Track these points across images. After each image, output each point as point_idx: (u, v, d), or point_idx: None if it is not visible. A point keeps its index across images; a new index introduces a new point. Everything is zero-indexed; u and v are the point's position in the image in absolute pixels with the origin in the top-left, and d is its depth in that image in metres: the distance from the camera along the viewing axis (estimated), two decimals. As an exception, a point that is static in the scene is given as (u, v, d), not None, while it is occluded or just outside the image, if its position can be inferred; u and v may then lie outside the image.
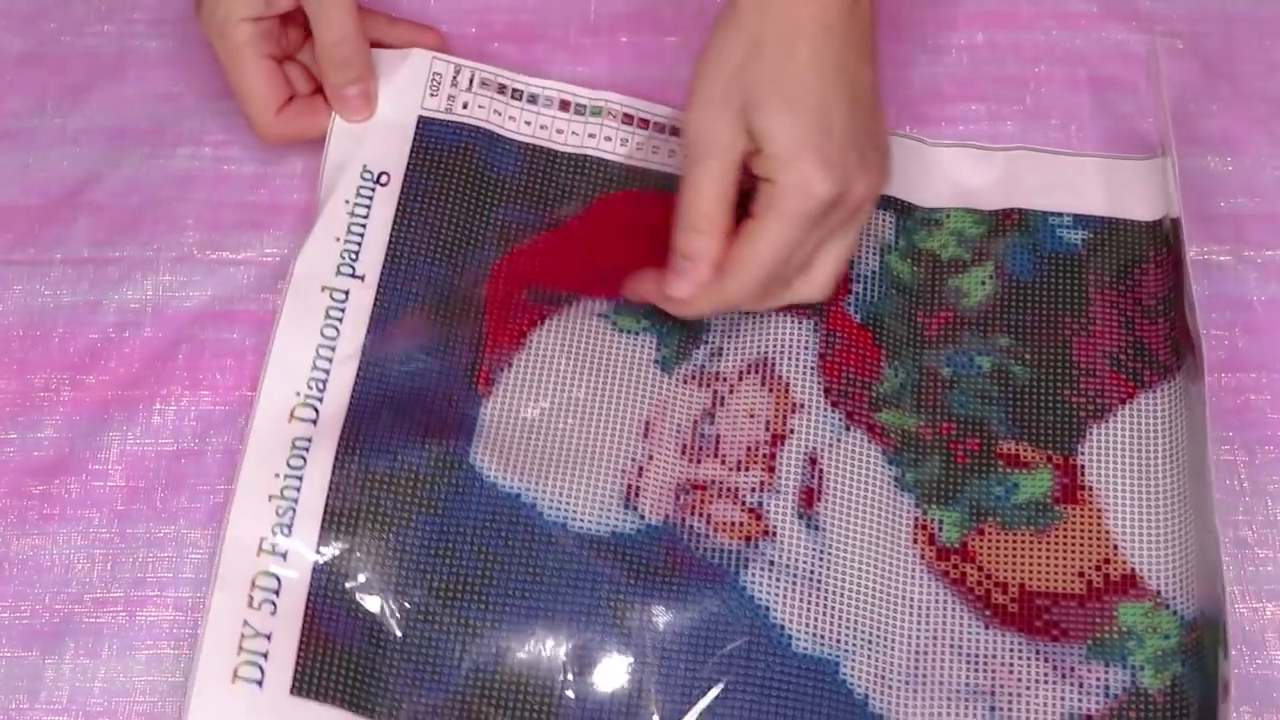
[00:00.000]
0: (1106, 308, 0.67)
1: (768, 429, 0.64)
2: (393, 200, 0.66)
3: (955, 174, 0.70)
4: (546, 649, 0.59)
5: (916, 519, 0.63)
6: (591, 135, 0.70)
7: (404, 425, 0.62)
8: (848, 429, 0.64)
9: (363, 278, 0.65)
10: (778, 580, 0.61)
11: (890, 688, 0.59)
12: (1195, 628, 0.60)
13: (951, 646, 0.60)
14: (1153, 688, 0.59)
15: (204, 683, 0.57)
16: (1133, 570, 0.61)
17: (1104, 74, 0.73)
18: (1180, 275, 0.65)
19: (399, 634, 0.59)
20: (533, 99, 0.70)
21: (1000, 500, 0.63)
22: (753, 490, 0.62)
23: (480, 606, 0.59)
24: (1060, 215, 0.69)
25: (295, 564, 0.59)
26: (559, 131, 0.70)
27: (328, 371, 0.63)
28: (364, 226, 0.65)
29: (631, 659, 0.59)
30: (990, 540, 0.62)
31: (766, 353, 0.65)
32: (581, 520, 0.61)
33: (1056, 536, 0.62)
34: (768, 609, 0.60)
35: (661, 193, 0.69)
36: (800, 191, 0.58)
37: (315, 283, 0.64)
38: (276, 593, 0.59)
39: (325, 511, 0.60)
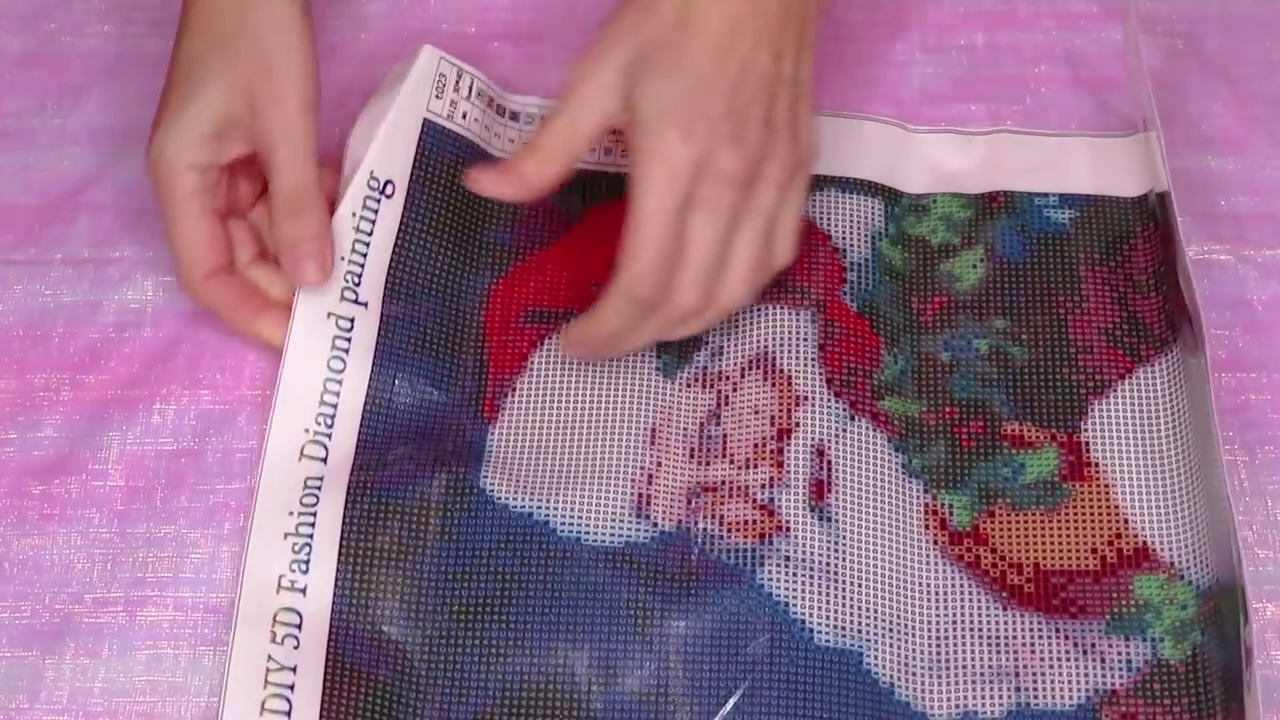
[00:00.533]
0: (1098, 284, 0.67)
1: (773, 424, 0.64)
2: (396, 215, 0.65)
3: (938, 159, 0.71)
4: (570, 663, 0.59)
5: (927, 504, 0.63)
6: None
7: (414, 458, 0.62)
8: (852, 418, 0.64)
9: (366, 304, 0.64)
10: (795, 575, 0.61)
11: (915, 675, 0.60)
12: (1212, 596, 0.60)
13: (972, 630, 0.61)
14: (1174, 658, 0.59)
15: (232, 717, 0.57)
16: (1145, 543, 0.62)
17: (1104, 74, 0.73)
18: (1171, 249, 0.66)
19: (422, 660, 0.59)
20: (514, 116, 0.70)
21: (1008, 481, 0.63)
22: (763, 487, 0.62)
23: (501, 626, 0.59)
24: (1046, 195, 0.69)
25: (315, 598, 0.59)
26: None
27: (335, 407, 0.63)
28: (368, 245, 0.64)
29: (656, 667, 0.59)
30: (1001, 522, 0.63)
31: (767, 347, 0.65)
32: (595, 534, 0.61)
33: (1067, 514, 0.63)
34: (787, 605, 0.60)
35: None
36: (657, 156, 0.58)
37: (321, 309, 0.63)
38: (299, 627, 0.59)
39: (341, 546, 0.60)
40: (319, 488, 0.61)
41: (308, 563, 0.60)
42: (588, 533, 0.61)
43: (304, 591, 0.59)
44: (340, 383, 0.63)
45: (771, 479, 0.63)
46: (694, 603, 0.60)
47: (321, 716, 0.58)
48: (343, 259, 0.64)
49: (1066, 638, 0.60)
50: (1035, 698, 0.59)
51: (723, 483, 0.63)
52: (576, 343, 0.64)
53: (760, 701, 0.58)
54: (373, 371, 0.63)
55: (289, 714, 0.57)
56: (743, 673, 0.59)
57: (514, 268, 0.67)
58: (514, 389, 0.65)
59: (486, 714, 0.58)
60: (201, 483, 0.63)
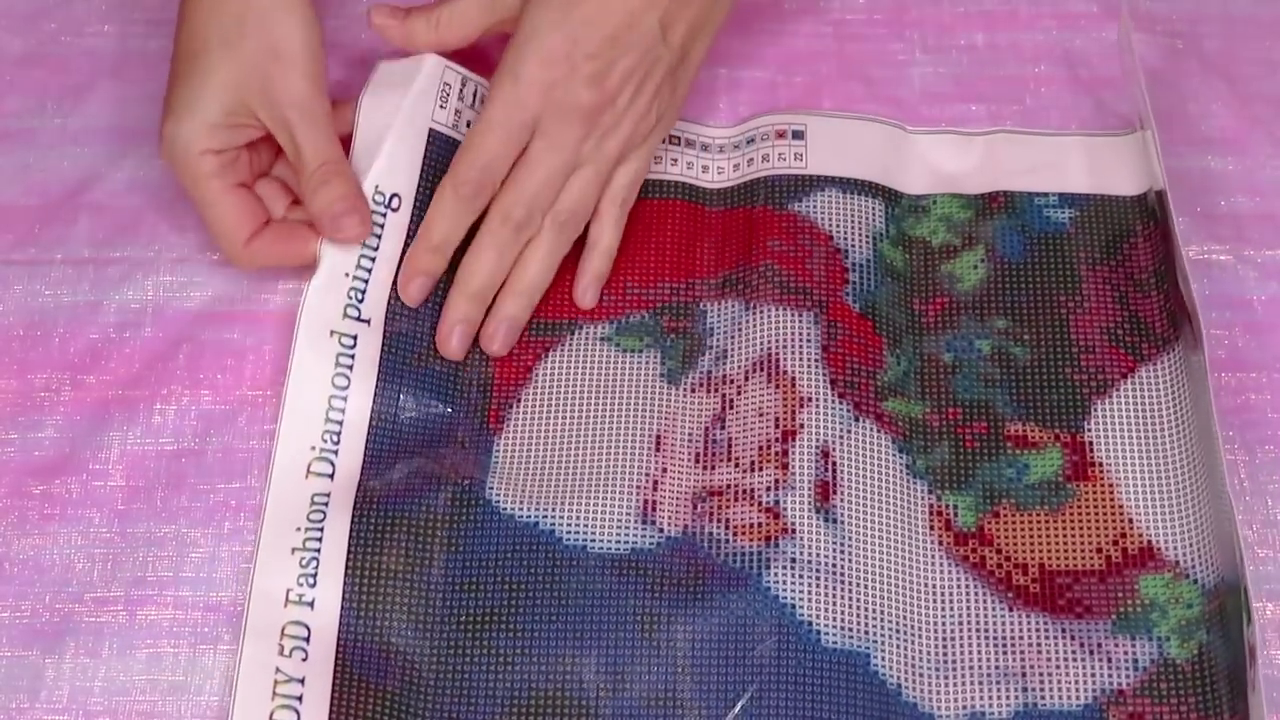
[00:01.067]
0: (1099, 284, 0.67)
1: (778, 426, 0.64)
2: (402, 231, 0.65)
3: (936, 160, 0.71)
4: (578, 671, 0.59)
5: (931, 505, 0.63)
6: None
7: (420, 472, 0.62)
8: (857, 419, 0.64)
9: (368, 321, 0.64)
10: (801, 577, 0.60)
11: (922, 676, 0.60)
12: (1217, 595, 0.60)
13: (978, 631, 0.60)
14: (1180, 658, 0.59)
15: None
16: (1150, 542, 0.62)
17: (1104, 74, 0.73)
18: (1170, 246, 0.66)
19: (430, 670, 0.59)
20: None
21: (1012, 482, 0.63)
22: (768, 489, 0.62)
23: (509, 636, 0.59)
24: (1045, 195, 0.69)
25: (323, 612, 0.59)
26: None
27: (340, 424, 0.62)
28: (373, 260, 0.64)
29: (664, 672, 0.59)
30: (1006, 522, 0.63)
31: (771, 348, 0.65)
32: (601, 541, 0.61)
33: (1071, 514, 0.63)
34: (794, 607, 0.60)
35: (651, 201, 0.69)
36: (513, 73, 0.62)
37: (324, 326, 0.63)
38: (307, 640, 0.58)
39: (348, 561, 0.60)
40: (326, 504, 0.61)
41: (315, 576, 0.59)
42: (594, 541, 0.61)
43: (311, 605, 0.59)
44: (345, 399, 0.62)
45: (777, 481, 0.62)
46: (701, 607, 0.60)
47: None
48: (347, 275, 0.64)
49: (1072, 638, 0.60)
50: (1042, 698, 0.59)
51: (728, 486, 0.63)
52: (411, 273, 0.64)
53: (768, 704, 0.58)
54: (377, 388, 0.63)
55: None
56: (750, 676, 0.59)
57: None
58: (519, 400, 0.65)
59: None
60: (202, 482, 0.63)
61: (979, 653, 0.60)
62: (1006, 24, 0.75)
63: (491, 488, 0.62)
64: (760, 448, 0.63)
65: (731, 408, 0.64)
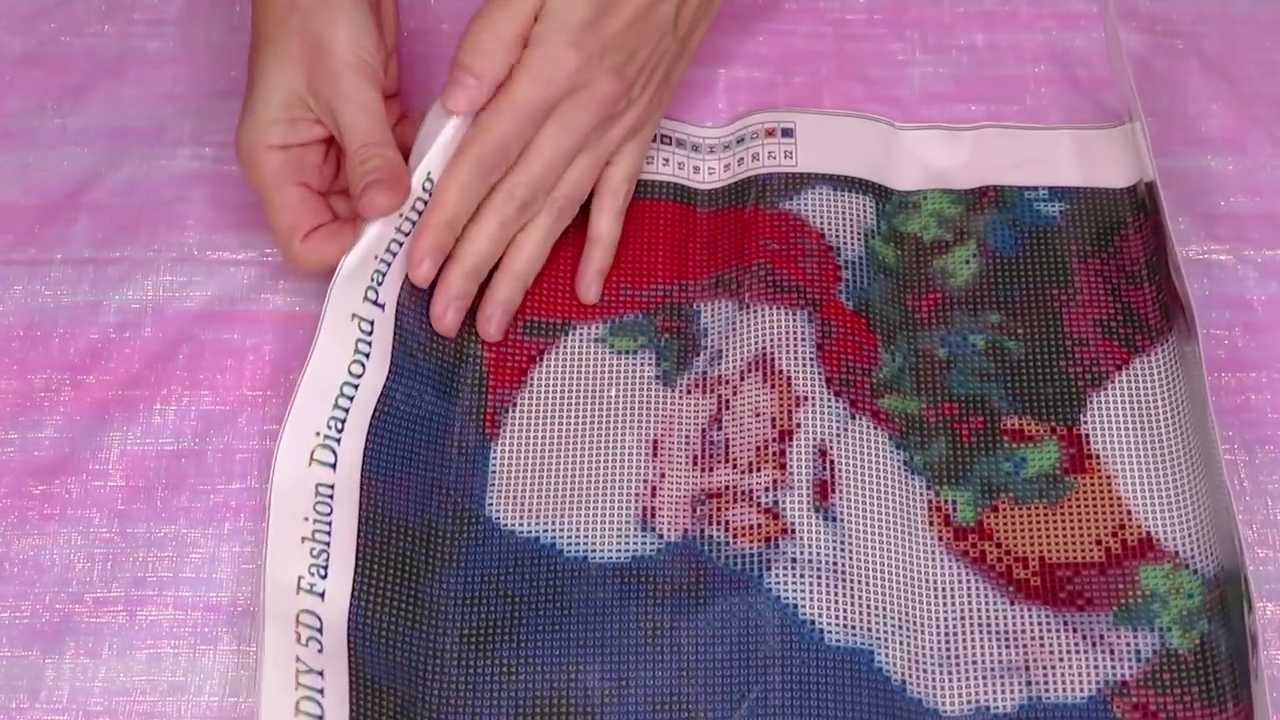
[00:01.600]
0: (1091, 276, 0.67)
1: (774, 426, 0.64)
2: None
3: (926, 156, 0.71)
4: (583, 680, 0.59)
5: (930, 501, 0.63)
6: None
7: (420, 476, 0.62)
8: (853, 417, 0.64)
9: (383, 306, 0.63)
10: (802, 577, 0.61)
11: (926, 671, 0.60)
12: (1217, 584, 0.60)
13: (980, 625, 0.61)
14: (1182, 648, 0.59)
15: (269, 718, 0.56)
16: (1149, 534, 0.62)
17: (1105, 74, 0.73)
18: (1161, 238, 0.66)
19: (435, 680, 0.59)
20: None
21: (1010, 476, 0.63)
22: (767, 490, 0.62)
23: (513, 647, 0.59)
24: (1035, 189, 0.69)
25: (332, 605, 0.59)
26: None
27: (346, 411, 0.62)
28: (401, 244, 0.64)
29: (668, 677, 0.59)
30: (1005, 516, 0.63)
31: (765, 348, 0.65)
32: (601, 551, 0.61)
33: (1070, 507, 0.63)
34: (796, 607, 0.60)
35: (644, 201, 0.69)
36: (545, 53, 0.62)
37: (348, 309, 0.62)
38: (320, 630, 0.58)
39: (357, 558, 0.60)
40: (331, 496, 0.60)
41: (325, 569, 0.59)
42: (594, 551, 0.61)
43: (322, 596, 0.59)
44: (356, 386, 0.62)
45: (775, 481, 0.62)
46: (703, 611, 0.60)
47: None
48: (376, 257, 0.63)
49: (1075, 630, 0.60)
50: (1046, 691, 0.59)
51: (726, 488, 0.63)
52: (420, 239, 0.64)
53: (773, 704, 0.58)
54: (388, 378, 0.63)
55: (321, 718, 0.56)
56: (755, 677, 0.59)
57: None
58: (514, 404, 0.65)
59: None
60: (202, 483, 0.63)
61: (982, 647, 0.60)
62: (1006, 24, 0.75)
63: (491, 503, 0.62)
64: (757, 448, 0.63)
65: (728, 408, 0.64)
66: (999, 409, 0.65)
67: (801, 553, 0.61)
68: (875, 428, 0.64)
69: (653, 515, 0.62)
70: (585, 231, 0.68)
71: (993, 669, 0.60)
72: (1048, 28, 0.75)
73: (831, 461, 0.63)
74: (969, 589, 0.61)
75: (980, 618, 0.61)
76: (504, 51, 0.62)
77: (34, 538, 0.62)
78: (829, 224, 0.68)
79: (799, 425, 0.63)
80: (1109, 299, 0.67)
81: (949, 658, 0.60)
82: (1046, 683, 0.59)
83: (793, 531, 0.61)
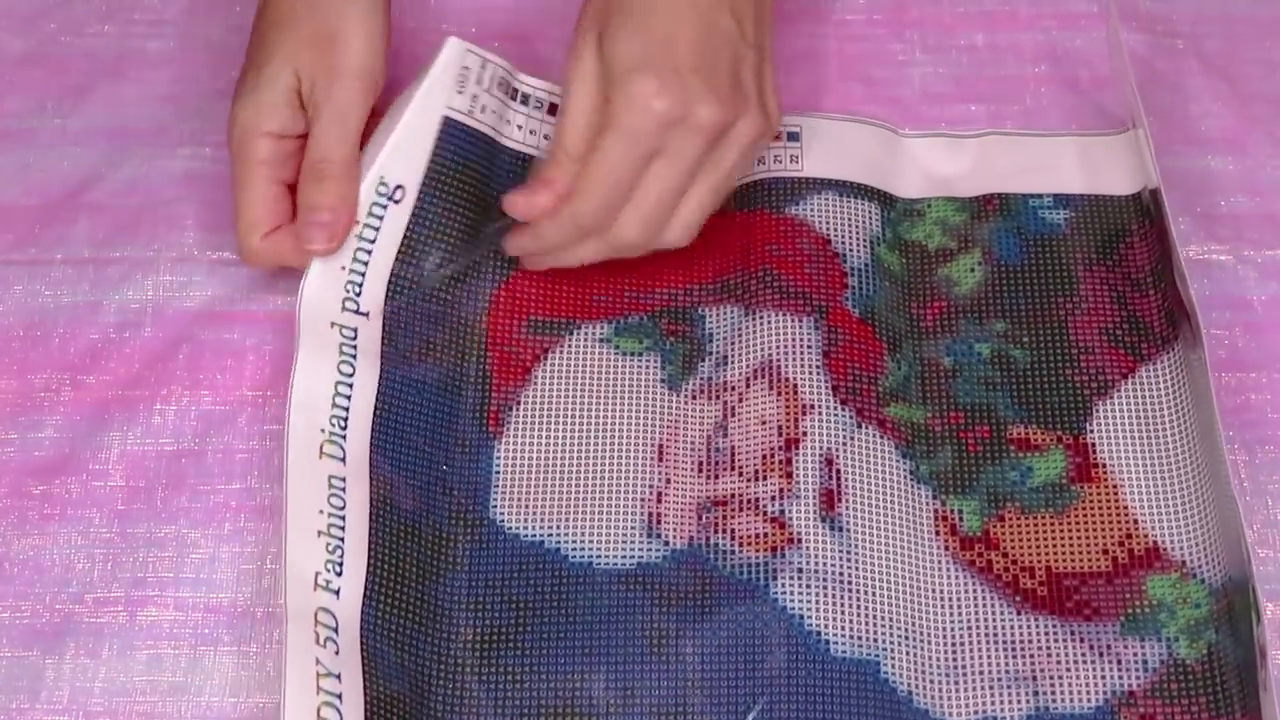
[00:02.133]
0: (1096, 284, 0.67)
1: (780, 434, 0.63)
2: (402, 222, 0.64)
3: (929, 164, 0.71)
4: (588, 687, 0.59)
5: (936, 510, 0.63)
6: None
7: (425, 472, 0.62)
8: (859, 426, 0.64)
9: (367, 314, 0.63)
10: (808, 587, 0.60)
11: (932, 682, 0.60)
12: (1225, 594, 0.60)
13: (987, 636, 0.60)
14: (1190, 658, 0.59)
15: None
16: (1155, 543, 0.62)
17: (1105, 75, 0.73)
18: (1166, 245, 0.66)
19: (441, 685, 0.59)
20: (525, 99, 0.69)
21: (1016, 485, 0.63)
22: (773, 499, 0.62)
23: (517, 654, 0.59)
24: (1040, 196, 0.69)
25: (347, 603, 0.59)
26: (546, 138, 0.68)
27: (347, 410, 0.62)
28: (369, 253, 0.64)
29: (673, 686, 0.59)
30: (1011, 526, 0.63)
31: (772, 355, 0.65)
32: (607, 557, 0.61)
33: (1076, 516, 0.63)
34: (802, 617, 0.60)
35: None
36: (633, 105, 0.59)
37: (324, 318, 0.63)
38: (336, 630, 0.58)
39: (369, 555, 0.59)
40: (343, 489, 0.60)
41: (340, 565, 0.59)
42: (599, 557, 0.61)
43: (337, 594, 0.59)
44: (351, 385, 0.62)
45: (781, 490, 0.62)
46: (709, 620, 0.60)
47: None
48: (343, 268, 0.63)
49: (1082, 640, 0.60)
50: (1054, 701, 0.59)
51: (732, 496, 0.63)
52: (516, 248, 0.65)
53: (779, 716, 0.58)
54: (381, 377, 0.63)
55: None
56: (761, 688, 0.59)
57: (516, 273, 0.67)
58: (518, 403, 0.64)
59: None
60: (202, 483, 0.63)
61: (989, 657, 0.60)
62: (1007, 24, 0.75)
63: (495, 505, 0.62)
64: (764, 456, 0.63)
65: (733, 415, 0.64)
66: (1005, 418, 0.65)
67: (808, 562, 0.61)
68: (881, 436, 0.64)
69: (658, 522, 0.62)
70: None
71: (999, 679, 0.60)
72: (1048, 28, 0.75)
73: (838, 470, 0.63)
74: (976, 599, 0.61)
75: (987, 628, 0.61)
76: (570, 152, 0.61)
77: (34, 538, 0.62)
78: (835, 230, 0.68)
79: (805, 434, 0.63)
80: (1114, 307, 0.66)
81: (956, 668, 0.60)
82: (1053, 693, 0.59)
83: (799, 541, 0.61)
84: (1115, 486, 0.63)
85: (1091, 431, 0.64)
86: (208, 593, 0.61)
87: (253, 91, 0.62)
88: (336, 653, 0.57)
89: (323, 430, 0.61)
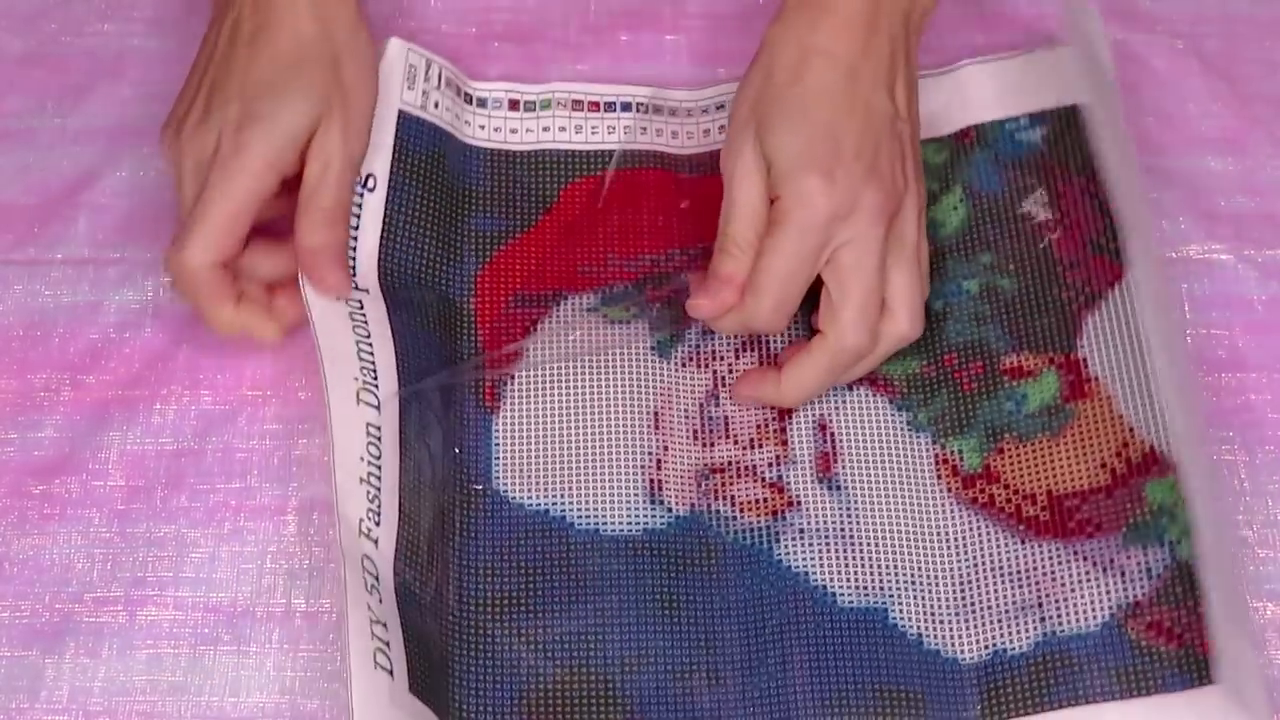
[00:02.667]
0: (1077, 196, 0.67)
1: (772, 405, 0.64)
2: (379, 211, 0.65)
3: None
4: (603, 650, 0.59)
5: (937, 455, 0.64)
6: (545, 129, 0.70)
7: (439, 440, 0.63)
8: (850, 389, 0.65)
9: (367, 290, 0.64)
10: (811, 546, 0.61)
11: (941, 622, 0.60)
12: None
13: (993, 570, 0.61)
14: (1192, 559, 0.60)
15: (357, 668, 0.57)
16: (1152, 447, 0.62)
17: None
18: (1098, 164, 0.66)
19: (458, 646, 0.59)
20: (482, 103, 0.70)
21: (1012, 415, 0.64)
22: (770, 465, 0.63)
23: (530, 617, 0.60)
24: (1016, 119, 0.69)
25: (383, 555, 0.60)
26: (513, 131, 0.70)
27: (374, 365, 0.63)
28: (355, 238, 0.64)
29: (686, 647, 0.59)
30: (1010, 457, 0.63)
31: None
32: (612, 524, 0.62)
33: (1073, 434, 0.63)
34: (807, 574, 0.61)
35: (623, 171, 0.69)
36: (802, 201, 0.60)
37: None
38: (377, 579, 0.59)
39: (400, 509, 0.60)
40: (379, 438, 0.61)
41: (379, 514, 0.60)
42: (605, 523, 0.62)
43: (376, 543, 0.60)
44: (370, 346, 0.63)
45: (778, 457, 0.63)
46: (717, 585, 0.61)
47: (410, 684, 0.57)
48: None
49: (1085, 558, 0.61)
50: (1060, 625, 0.60)
51: (729, 463, 0.63)
52: (743, 397, 0.65)
53: (792, 669, 0.59)
54: (394, 337, 0.63)
55: (391, 673, 0.57)
56: (771, 644, 0.59)
57: (498, 253, 0.67)
58: (512, 376, 0.65)
59: (525, 698, 0.58)
60: (202, 483, 0.63)
61: (996, 591, 0.61)
62: (1007, 26, 0.75)
63: (498, 476, 0.63)
64: (758, 426, 0.64)
65: (724, 385, 0.65)
66: (996, 349, 0.65)
67: (809, 523, 0.62)
68: (874, 395, 0.64)
69: (660, 488, 0.63)
70: (563, 208, 0.68)
71: (1007, 611, 0.60)
72: (1050, 30, 0.75)
73: (832, 434, 0.64)
74: (980, 535, 0.62)
75: (993, 562, 0.61)
76: (743, 247, 0.61)
77: (34, 538, 0.62)
78: None
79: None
80: (1097, 214, 0.66)
81: (964, 606, 0.61)
82: (1060, 616, 0.60)
83: (798, 504, 0.62)
84: (1108, 398, 0.63)
85: (1082, 347, 0.65)
86: (208, 592, 0.61)
87: (268, 125, 0.60)
88: (380, 601, 0.58)
89: (355, 379, 0.62)
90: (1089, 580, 0.60)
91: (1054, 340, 0.65)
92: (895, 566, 0.61)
